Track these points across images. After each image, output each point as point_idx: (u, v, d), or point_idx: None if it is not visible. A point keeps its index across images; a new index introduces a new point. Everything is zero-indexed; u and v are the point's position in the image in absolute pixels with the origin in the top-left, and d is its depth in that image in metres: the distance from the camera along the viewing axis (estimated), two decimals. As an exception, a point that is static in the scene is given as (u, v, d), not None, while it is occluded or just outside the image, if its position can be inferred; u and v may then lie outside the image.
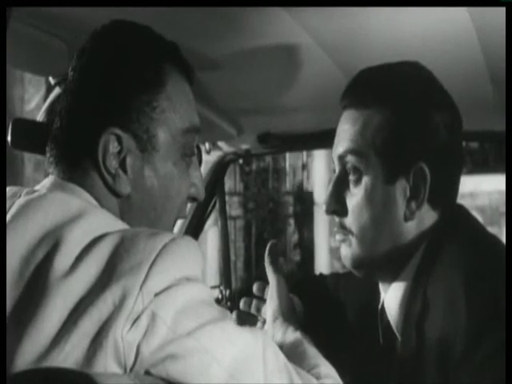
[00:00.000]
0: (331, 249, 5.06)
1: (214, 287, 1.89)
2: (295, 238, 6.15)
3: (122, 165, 0.70)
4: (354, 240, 0.85)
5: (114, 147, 0.69)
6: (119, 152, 0.70)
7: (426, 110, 0.83)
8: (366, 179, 0.83)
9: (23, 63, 1.07)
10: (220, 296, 1.85)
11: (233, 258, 5.59)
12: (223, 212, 1.85)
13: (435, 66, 1.07)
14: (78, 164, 0.70)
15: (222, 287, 1.85)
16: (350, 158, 0.84)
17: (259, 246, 5.33)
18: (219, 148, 1.74)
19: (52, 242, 0.62)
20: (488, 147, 5.20)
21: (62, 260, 0.61)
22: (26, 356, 0.57)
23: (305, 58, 1.09)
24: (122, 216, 0.71)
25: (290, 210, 6.07)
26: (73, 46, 0.98)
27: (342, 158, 0.86)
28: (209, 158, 1.79)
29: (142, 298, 0.58)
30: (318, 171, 5.26)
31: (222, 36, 0.99)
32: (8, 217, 0.66)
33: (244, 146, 1.72)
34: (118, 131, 0.69)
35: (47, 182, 0.72)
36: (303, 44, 1.02)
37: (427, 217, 0.84)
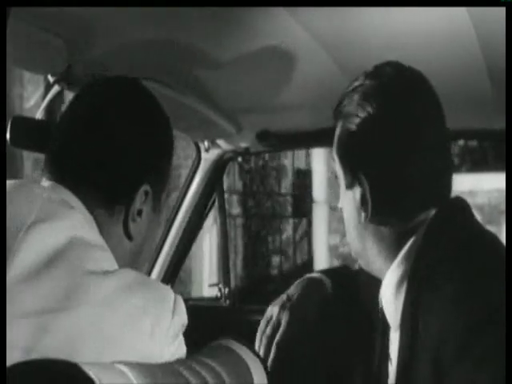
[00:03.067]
0: (330, 247, 5.07)
1: (212, 285, 1.90)
2: (294, 235, 6.16)
3: (139, 214, 0.81)
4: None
5: (141, 200, 0.80)
6: (141, 204, 0.80)
7: (366, 123, 0.83)
8: (340, 186, 0.89)
9: (22, 61, 1.07)
10: (219, 294, 1.85)
11: (232, 256, 5.59)
12: (222, 210, 1.85)
13: (434, 64, 1.08)
14: (102, 198, 0.78)
15: (220, 285, 1.85)
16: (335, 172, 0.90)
17: (258, 244, 5.34)
18: (218, 146, 1.74)
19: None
20: (487, 146, 5.21)
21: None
22: None
23: (304, 57, 1.09)
24: (120, 254, 0.79)
25: (289, 208, 6.08)
26: (71, 43, 0.98)
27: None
28: (208, 156, 1.79)
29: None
30: (317, 169, 5.26)
31: (221, 35, 0.99)
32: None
33: (243, 144, 1.72)
34: (149, 189, 0.80)
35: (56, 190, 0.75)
36: (302, 42, 1.02)
37: (393, 226, 0.84)
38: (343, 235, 4.99)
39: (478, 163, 5.21)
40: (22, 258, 0.64)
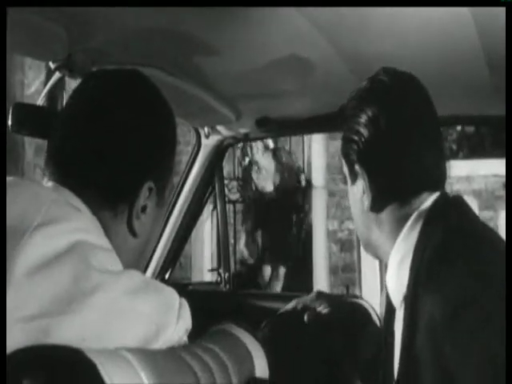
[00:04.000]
0: (329, 232, 5.08)
1: (212, 270, 1.92)
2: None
3: (143, 210, 0.80)
4: None
5: (144, 196, 0.79)
6: (145, 200, 0.79)
7: (352, 122, 0.93)
8: (347, 183, 0.98)
9: (23, 48, 1.07)
10: (219, 279, 1.87)
11: (231, 241, 5.60)
12: (222, 196, 1.86)
13: (432, 50, 1.08)
14: (106, 198, 0.76)
15: (220, 270, 1.87)
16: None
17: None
18: (218, 132, 1.75)
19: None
20: (484, 131, 5.21)
21: None
22: None
23: (303, 43, 1.09)
24: (125, 252, 0.79)
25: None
26: (72, 30, 0.98)
27: None
28: (208, 142, 1.80)
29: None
30: (316, 155, 5.26)
31: (222, 21, 0.99)
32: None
33: (243, 130, 1.73)
34: (152, 185, 0.79)
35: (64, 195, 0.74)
36: (302, 29, 1.02)
37: (392, 210, 0.92)
38: (341, 221, 5.01)
39: (475, 149, 5.21)
40: (26, 260, 0.62)
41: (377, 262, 1.69)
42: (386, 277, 0.93)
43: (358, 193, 0.94)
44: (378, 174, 0.91)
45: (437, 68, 1.08)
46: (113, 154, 0.76)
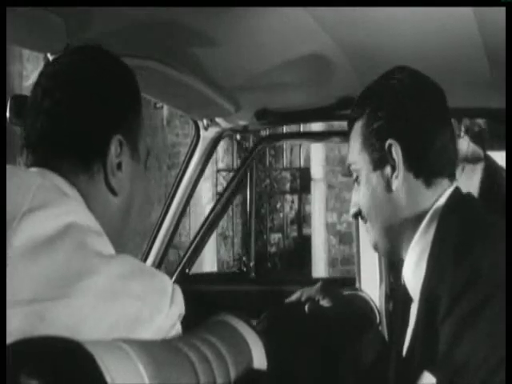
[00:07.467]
0: (328, 224, 5.08)
1: (235, 260, 1.92)
2: (292, 213, 6.18)
3: (119, 167, 0.80)
4: (369, 225, 0.99)
5: (116, 151, 0.79)
6: (118, 156, 0.80)
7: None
8: (362, 175, 0.98)
9: (21, 40, 1.07)
10: (244, 268, 1.88)
11: (230, 234, 5.61)
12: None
13: (433, 42, 1.08)
14: (80, 163, 0.77)
15: (244, 259, 1.88)
16: (352, 167, 1.01)
17: (257, 222, 5.36)
18: (217, 124, 1.75)
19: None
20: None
21: None
22: None
23: (302, 35, 1.09)
24: (109, 213, 0.80)
25: (287, 186, 6.08)
26: (70, 21, 0.98)
27: (348, 168, 1.02)
28: (206, 134, 1.80)
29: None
30: (315, 147, 5.26)
31: (221, 14, 0.99)
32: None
33: (241, 122, 1.73)
34: (121, 138, 0.80)
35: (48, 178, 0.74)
36: (301, 21, 1.02)
37: (417, 193, 0.94)
38: (340, 213, 5.02)
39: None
40: (18, 246, 0.63)
41: (376, 255, 1.70)
42: (404, 269, 0.95)
43: (382, 177, 0.94)
44: (411, 143, 0.92)
45: (437, 60, 1.07)
46: (78, 117, 0.77)
